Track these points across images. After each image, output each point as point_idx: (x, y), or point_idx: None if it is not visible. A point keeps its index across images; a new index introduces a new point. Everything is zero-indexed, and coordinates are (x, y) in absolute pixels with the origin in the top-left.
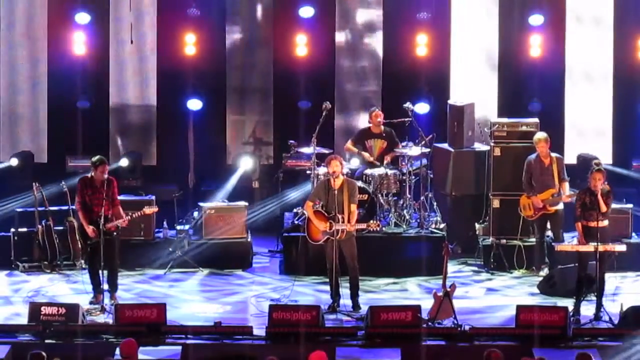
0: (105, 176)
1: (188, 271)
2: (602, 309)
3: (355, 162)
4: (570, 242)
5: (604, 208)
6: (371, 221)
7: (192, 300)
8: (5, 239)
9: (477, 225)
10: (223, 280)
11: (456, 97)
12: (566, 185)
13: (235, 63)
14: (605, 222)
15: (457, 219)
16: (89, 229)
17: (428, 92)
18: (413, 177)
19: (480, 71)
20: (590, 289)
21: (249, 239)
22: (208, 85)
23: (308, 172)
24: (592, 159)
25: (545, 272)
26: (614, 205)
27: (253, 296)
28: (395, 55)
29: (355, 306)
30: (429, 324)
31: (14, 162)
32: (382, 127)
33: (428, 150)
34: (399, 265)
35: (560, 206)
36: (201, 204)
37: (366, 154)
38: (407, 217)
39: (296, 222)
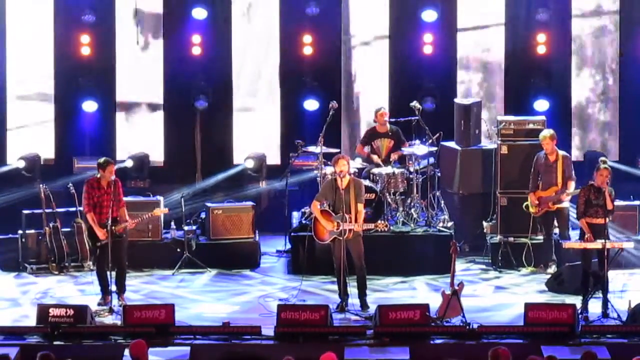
0: (113, 177)
1: (196, 271)
2: (609, 306)
3: (358, 161)
4: (577, 240)
5: (610, 205)
6: (379, 221)
7: (200, 300)
8: (13, 240)
9: (484, 224)
10: (231, 280)
11: (462, 96)
12: (572, 184)
13: (241, 63)
14: (606, 219)
15: (465, 217)
16: (101, 232)
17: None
18: (420, 175)
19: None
20: (597, 286)
21: (256, 239)
22: (215, 85)
23: (315, 171)
24: (598, 156)
25: (553, 269)
26: (620, 202)
27: (261, 296)
28: (402, 54)
29: (364, 305)
30: (438, 322)
31: (21, 163)
32: (389, 126)
33: (435, 148)
34: (407, 264)
35: (567, 204)
36: (208, 204)
37: (374, 157)
38: (415, 215)
39: (304, 221)
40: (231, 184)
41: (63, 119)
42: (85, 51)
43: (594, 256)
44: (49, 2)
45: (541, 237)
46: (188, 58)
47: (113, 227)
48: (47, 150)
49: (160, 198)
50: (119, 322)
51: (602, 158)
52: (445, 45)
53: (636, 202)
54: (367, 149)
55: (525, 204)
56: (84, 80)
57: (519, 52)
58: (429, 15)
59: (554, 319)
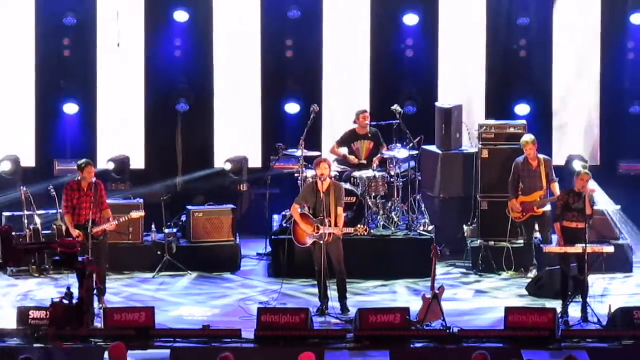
0: (94, 180)
1: (176, 274)
2: (588, 310)
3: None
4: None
5: (589, 210)
6: (359, 226)
7: (180, 303)
8: None
9: (465, 228)
10: (212, 283)
11: (444, 100)
12: (556, 185)
13: (222, 66)
14: (582, 225)
15: (446, 221)
16: (75, 233)
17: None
18: (401, 179)
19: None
20: (577, 290)
21: (237, 242)
22: (196, 88)
23: (296, 174)
24: (580, 160)
25: (533, 274)
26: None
27: (242, 299)
28: (383, 58)
29: (344, 309)
30: (418, 326)
31: (7, 166)
32: (368, 128)
33: (416, 152)
34: (388, 268)
35: (548, 208)
36: (189, 207)
37: (352, 157)
38: (396, 219)
39: (284, 225)
40: (212, 186)
41: (44, 122)
42: (67, 53)
43: (572, 260)
44: (31, 4)
45: (521, 241)
46: (169, 60)
47: (92, 230)
48: (27, 153)
49: (141, 201)
50: (99, 325)
51: (583, 164)
52: (427, 48)
53: (617, 207)
54: (342, 150)
55: (509, 209)
56: (65, 82)
57: (501, 54)
58: (411, 19)
59: (535, 323)
